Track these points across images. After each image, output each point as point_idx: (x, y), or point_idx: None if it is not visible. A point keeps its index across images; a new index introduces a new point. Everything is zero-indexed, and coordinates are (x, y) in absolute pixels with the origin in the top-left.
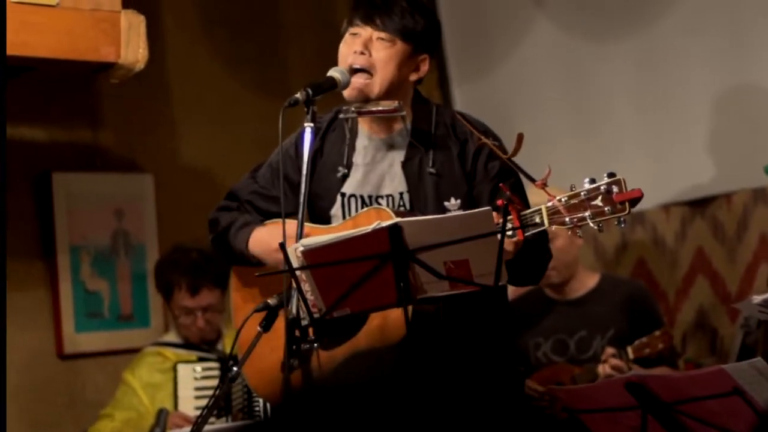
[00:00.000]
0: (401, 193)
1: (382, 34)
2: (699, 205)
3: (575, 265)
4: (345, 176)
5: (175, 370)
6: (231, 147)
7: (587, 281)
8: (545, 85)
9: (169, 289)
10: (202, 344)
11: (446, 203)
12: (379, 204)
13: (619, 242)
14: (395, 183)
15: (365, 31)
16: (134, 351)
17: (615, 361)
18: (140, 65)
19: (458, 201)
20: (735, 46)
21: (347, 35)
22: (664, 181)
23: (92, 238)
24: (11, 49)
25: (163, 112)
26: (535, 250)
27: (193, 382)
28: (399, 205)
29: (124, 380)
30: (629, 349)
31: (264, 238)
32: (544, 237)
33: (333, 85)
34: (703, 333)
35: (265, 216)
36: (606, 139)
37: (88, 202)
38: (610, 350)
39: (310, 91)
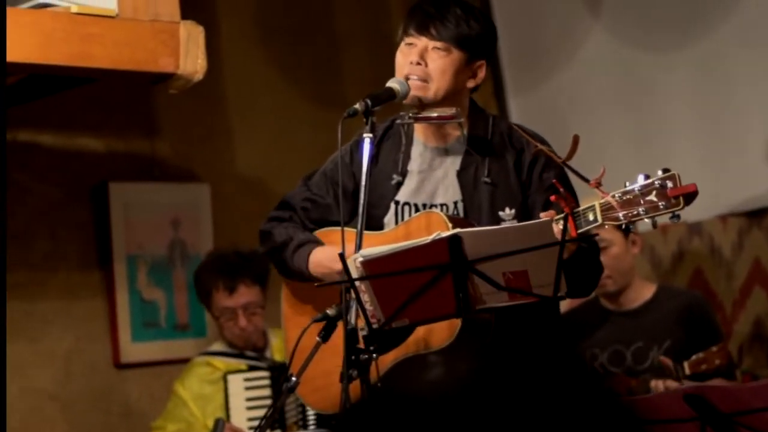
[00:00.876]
0: (455, 202)
1: (438, 44)
2: (756, 216)
3: (631, 273)
4: (399, 184)
5: (225, 380)
6: (287, 156)
7: (644, 292)
8: (601, 96)
9: (208, 293)
10: (251, 352)
11: (501, 213)
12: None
13: (676, 252)
14: (450, 192)
15: (420, 41)
16: (190, 360)
17: (669, 382)
18: (199, 76)
19: (513, 210)
20: None
21: (403, 45)
22: (722, 191)
23: (149, 248)
24: (72, 60)
25: (220, 121)
26: (587, 261)
27: (244, 393)
28: (453, 214)
29: (174, 392)
30: (686, 365)
31: (325, 261)
32: (595, 249)
33: (392, 96)
34: (760, 344)
35: (317, 224)
36: (663, 150)
37: (145, 212)
38: (666, 360)
39: (369, 102)
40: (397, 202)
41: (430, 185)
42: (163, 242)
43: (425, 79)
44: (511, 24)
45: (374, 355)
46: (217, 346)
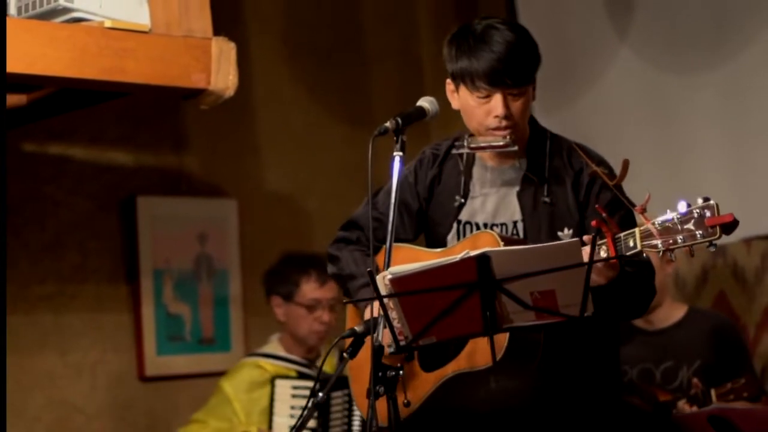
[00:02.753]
0: (515, 222)
1: (514, 90)
2: None
3: (664, 293)
4: (461, 204)
5: (272, 384)
6: (314, 173)
7: (675, 312)
8: (628, 117)
9: (296, 282)
10: (302, 359)
11: (559, 233)
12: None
13: (700, 274)
14: (510, 211)
15: (496, 92)
16: (215, 374)
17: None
18: (230, 92)
19: (570, 231)
20: None
21: (475, 96)
22: (747, 215)
23: (175, 262)
24: (106, 75)
25: (248, 137)
26: (637, 282)
27: (290, 400)
28: (512, 234)
29: (220, 388)
30: (713, 392)
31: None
32: (649, 271)
33: (422, 115)
34: None
35: (383, 243)
36: (689, 173)
37: (172, 227)
38: (697, 381)
39: (399, 121)
40: (459, 222)
41: (491, 205)
42: (189, 257)
43: (514, 127)
44: (539, 43)
45: (401, 372)
46: (270, 348)
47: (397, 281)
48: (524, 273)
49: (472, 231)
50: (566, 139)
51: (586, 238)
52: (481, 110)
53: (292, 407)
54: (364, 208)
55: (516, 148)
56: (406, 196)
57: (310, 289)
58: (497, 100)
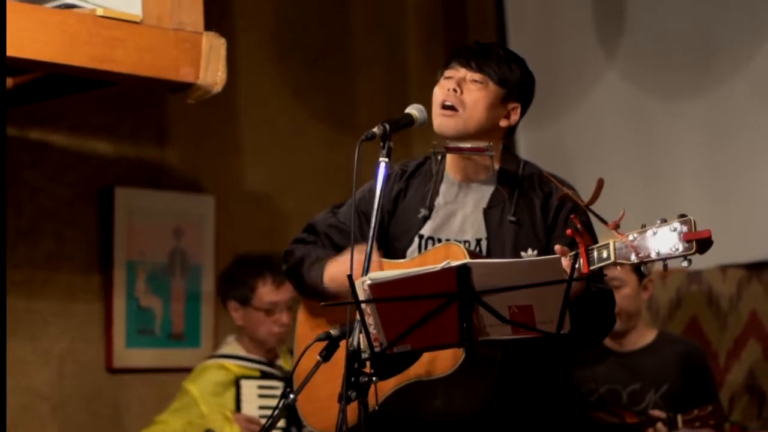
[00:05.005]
0: (479, 240)
1: (476, 75)
2: (757, 268)
3: (638, 317)
4: (426, 218)
5: (238, 384)
6: (294, 174)
7: (646, 336)
8: (610, 138)
9: (251, 286)
10: (264, 359)
11: (523, 253)
12: None
13: (674, 299)
14: (474, 229)
15: (459, 73)
16: (182, 370)
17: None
18: (218, 87)
19: (535, 252)
20: None
21: (442, 79)
22: (724, 242)
23: (150, 255)
24: (94, 63)
25: (230, 134)
26: (597, 307)
27: (257, 400)
28: (475, 251)
29: (184, 389)
30: (679, 418)
31: (339, 276)
32: (611, 298)
33: (410, 122)
34: (751, 396)
35: (340, 251)
36: (667, 197)
37: (149, 219)
38: (658, 413)
39: (387, 127)
40: (421, 236)
41: (456, 221)
42: (164, 250)
43: (456, 107)
44: (526, 59)
45: (374, 378)
46: (229, 350)
47: (377, 287)
48: (503, 286)
49: (434, 246)
50: (537, 166)
51: (558, 248)
52: (441, 90)
53: (260, 407)
54: (325, 214)
55: (493, 153)
56: (367, 207)
57: (266, 293)
58: (456, 77)
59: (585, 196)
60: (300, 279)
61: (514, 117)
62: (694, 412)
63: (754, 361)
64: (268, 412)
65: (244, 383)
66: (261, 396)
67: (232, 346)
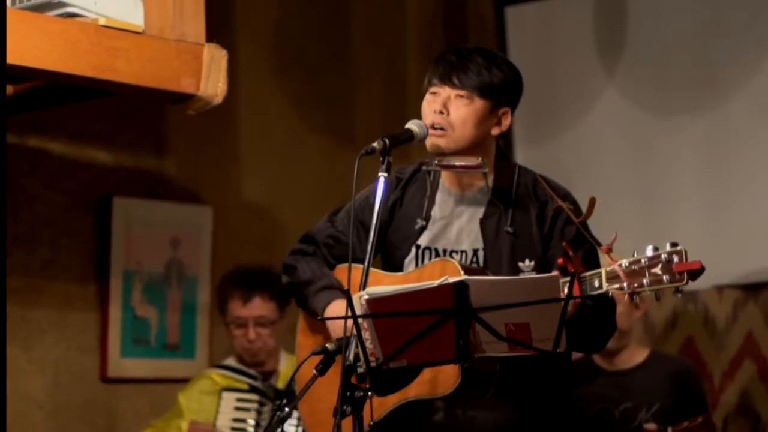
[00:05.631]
0: (476, 250)
1: (461, 92)
2: (753, 289)
3: (629, 335)
4: (422, 228)
5: (219, 395)
6: (293, 186)
7: (638, 355)
8: (609, 156)
9: (225, 301)
10: (257, 373)
11: (520, 264)
12: (452, 258)
13: (670, 318)
14: (471, 239)
15: (444, 90)
16: (177, 381)
17: None
18: (218, 99)
19: (532, 262)
20: None
21: (428, 94)
22: (720, 262)
23: (146, 265)
24: (96, 72)
25: (229, 145)
26: (600, 317)
27: (232, 412)
28: (472, 261)
29: (177, 400)
30: (669, 429)
31: (339, 312)
32: (610, 307)
33: (410, 137)
34: (745, 418)
35: (339, 261)
36: (666, 215)
37: (146, 229)
38: (651, 426)
39: (387, 142)
40: (418, 246)
41: (452, 232)
42: (161, 261)
43: (445, 128)
44: (525, 76)
45: (369, 393)
46: (226, 362)
47: (374, 302)
48: (501, 304)
49: (431, 256)
50: (532, 171)
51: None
52: (429, 109)
53: (234, 419)
54: (323, 224)
55: (486, 170)
56: (365, 217)
57: (234, 308)
58: (442, 96)
59: (582, 209)
60: (302, 299)
61: (506, 122)
62: (684, 424)
63: (748, 383)
64: (239, 426)
65: (224, 395)
66: (237, 408)
67: (229, 358)
